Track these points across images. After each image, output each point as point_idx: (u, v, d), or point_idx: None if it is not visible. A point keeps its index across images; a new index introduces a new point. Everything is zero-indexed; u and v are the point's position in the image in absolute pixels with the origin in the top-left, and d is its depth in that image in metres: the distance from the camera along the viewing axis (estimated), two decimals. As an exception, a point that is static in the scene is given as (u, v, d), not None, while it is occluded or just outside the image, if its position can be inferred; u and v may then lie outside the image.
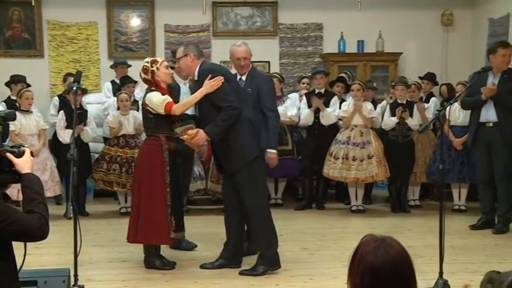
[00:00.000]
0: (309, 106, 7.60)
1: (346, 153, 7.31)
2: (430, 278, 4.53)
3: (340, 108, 7.55)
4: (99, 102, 8.30)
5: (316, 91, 7.70)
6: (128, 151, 7.22)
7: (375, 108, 7.54)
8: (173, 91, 5.63)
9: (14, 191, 3.20)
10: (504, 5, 8.71)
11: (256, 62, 5.68)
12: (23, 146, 2.62)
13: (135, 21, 9.46)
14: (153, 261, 5.26)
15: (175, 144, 5.25)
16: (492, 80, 6.48)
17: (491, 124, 6.49)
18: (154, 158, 5.12)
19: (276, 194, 8.02)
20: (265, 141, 5.17)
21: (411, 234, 6.51)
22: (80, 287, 4.26)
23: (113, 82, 8.15)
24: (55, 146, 7.77)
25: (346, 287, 2.04)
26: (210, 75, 4.97)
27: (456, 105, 6.95)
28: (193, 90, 5.64)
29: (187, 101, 5.19)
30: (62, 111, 7.37)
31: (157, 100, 5.05)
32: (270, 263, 5.13)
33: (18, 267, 2.56)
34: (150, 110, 5.10)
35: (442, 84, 8.67)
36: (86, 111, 7.45)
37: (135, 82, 7.56)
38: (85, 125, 7.30)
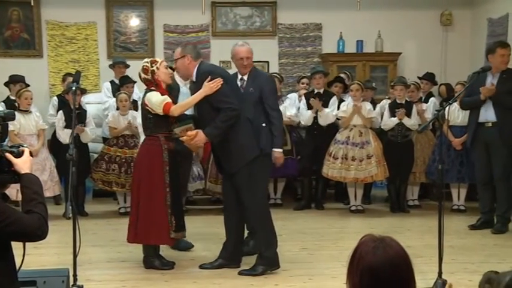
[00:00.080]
0: (308, 107, 7.61)
1: (346, 153, 7.31)
2: (429, 277, 4.54)
3: (338, 108, 7.56)
4: (98, 102, 8.30)
5: (315, 91, 7.71)
6: (127, 151, 7.23)
7: (374, 108, 7.55)
8: (172, 91, 5.64)
9: (13, 191, 3.19)
10: (503, 5, 8.70)
11: (255, 62, 5.65)
12: (22, 146, 2.62)
13: (134, 21, 9.46)
14: (152, 261, 5.26)
15: (174, 144, 5.26)
16: (491, 80, 6.48)
17: (490, 124, 6.49)
18: (153, 158, 5.12)
19: (275, 194, 8.02)
20: (265, 142, 5.14)
21: (410, 234, 6.51)
22: (79, 287, 4.27)
23: (112, 82, 8.15)
24: (54, 146, 7.77)
25: (345, 287, 2.04)
26: (209, 77, 4.97)
27: (455, 105, 6.95)
28: (192, 91, 5.63)
29: (186, 102, 5.19)
30: (61, 111, 7.37)
31: (156, 100, 5.05)
32: (269, 263, 5.13)
33: (17, 267, 2.56)
34: (150, 109, 5.10)
35: (441, 84, 8.65)
36: (85, 111, 7.45)
37: (135, 82, 7.56)
38: (84, 125, 7.30)
